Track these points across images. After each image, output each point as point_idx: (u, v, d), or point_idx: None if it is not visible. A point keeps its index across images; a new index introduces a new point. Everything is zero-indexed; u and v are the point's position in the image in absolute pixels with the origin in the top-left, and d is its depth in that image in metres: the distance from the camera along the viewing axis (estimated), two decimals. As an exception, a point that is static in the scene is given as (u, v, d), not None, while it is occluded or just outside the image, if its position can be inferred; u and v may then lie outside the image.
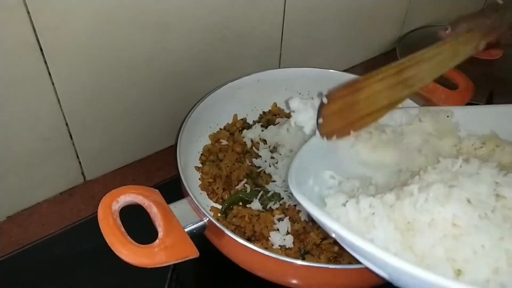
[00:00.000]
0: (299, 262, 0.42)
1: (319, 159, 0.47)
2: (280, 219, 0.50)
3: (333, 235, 0.38)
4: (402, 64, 0.47)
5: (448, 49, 0.50)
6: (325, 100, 0.43)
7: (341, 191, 0.44)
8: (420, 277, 0.31)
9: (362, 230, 0.39)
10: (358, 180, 0.46)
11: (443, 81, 0.63)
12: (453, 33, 0.50)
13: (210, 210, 0.54)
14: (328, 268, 0.43)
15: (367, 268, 0.40)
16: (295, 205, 0.52)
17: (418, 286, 0.34)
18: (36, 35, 0.46)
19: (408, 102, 0.60)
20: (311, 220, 0.50)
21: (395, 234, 0.38)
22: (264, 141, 0.59)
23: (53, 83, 0.50)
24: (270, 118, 0.63)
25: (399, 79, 0.47)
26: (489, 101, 0.67)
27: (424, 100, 0.61)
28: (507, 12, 0.52)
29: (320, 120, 0.44)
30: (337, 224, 0.36)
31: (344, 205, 0.41)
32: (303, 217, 0.51)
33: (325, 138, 0.46)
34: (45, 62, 0.49)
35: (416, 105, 0.59)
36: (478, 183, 0.39)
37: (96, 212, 0.41)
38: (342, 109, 0.45)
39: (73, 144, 0.57)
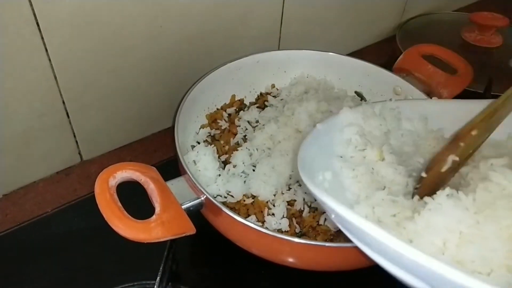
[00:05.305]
0: (296, 239, 0.42)
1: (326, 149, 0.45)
2: (276, 205, 0.50)
3: (358, 242, 0.35)
4: (494, 106, 0.45)
5: None
6: (423, 175, 0.43)
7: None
8: None
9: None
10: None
11: (443, 66, 0.63)
12: None
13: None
14: (324, 246, 0.42)
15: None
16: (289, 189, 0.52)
17: None
18: (32, 8, 0.46)
19: (408, 86, 0.60)
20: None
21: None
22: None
23: (49, 59, 0.50)
24: (266, 99, 0.63)
25: (488, 125, 0.45)
26: (488, 88, 0.67)
27: (423, 84, 0.61)
28: None
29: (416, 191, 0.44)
30: (377, 227, 0.30)
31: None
32: (298, 205, 0.50)
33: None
34: (42, 37, 0.48)
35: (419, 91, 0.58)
36: None
37: (92, 191, 0.40)
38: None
39: (70, 123, 0.57)
